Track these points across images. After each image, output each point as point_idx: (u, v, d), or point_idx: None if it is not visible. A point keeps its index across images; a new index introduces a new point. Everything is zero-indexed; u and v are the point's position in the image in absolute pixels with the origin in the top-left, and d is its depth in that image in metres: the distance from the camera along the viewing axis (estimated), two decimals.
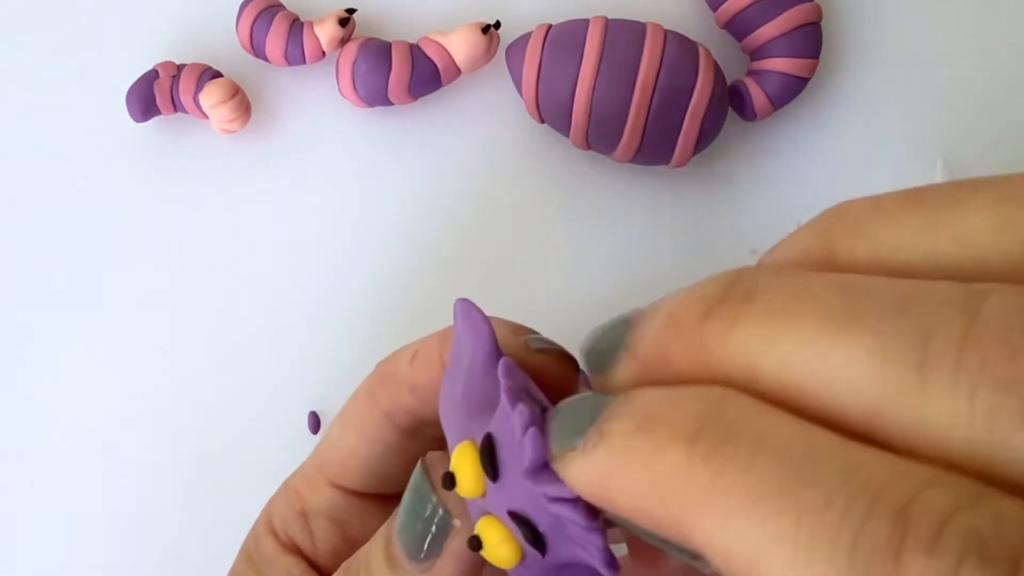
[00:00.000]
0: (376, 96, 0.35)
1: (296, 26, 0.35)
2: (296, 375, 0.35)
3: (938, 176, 0.32)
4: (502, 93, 0.36)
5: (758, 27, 0.34)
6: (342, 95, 0.35)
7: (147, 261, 0.35)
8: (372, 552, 0.22)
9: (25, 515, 0.34)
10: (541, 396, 0.19)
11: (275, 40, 0.35)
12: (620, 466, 0.15)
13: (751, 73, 0.35)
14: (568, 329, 0.35)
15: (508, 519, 0.18)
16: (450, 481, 0.19)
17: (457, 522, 0.20)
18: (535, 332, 0.24)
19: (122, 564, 0.34)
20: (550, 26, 0.34)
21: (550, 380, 0.21)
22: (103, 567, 0.34)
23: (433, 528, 0.20)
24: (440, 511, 0.20)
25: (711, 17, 0.36)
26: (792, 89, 0.35)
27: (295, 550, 0.25)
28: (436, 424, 0.24)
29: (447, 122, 0.36)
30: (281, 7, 0.35)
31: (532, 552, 0.18)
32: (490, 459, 0.18)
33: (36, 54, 0.37)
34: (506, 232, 0.35)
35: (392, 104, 0.35)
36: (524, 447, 0.17)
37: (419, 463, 0.21)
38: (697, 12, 0.36)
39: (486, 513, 0.19)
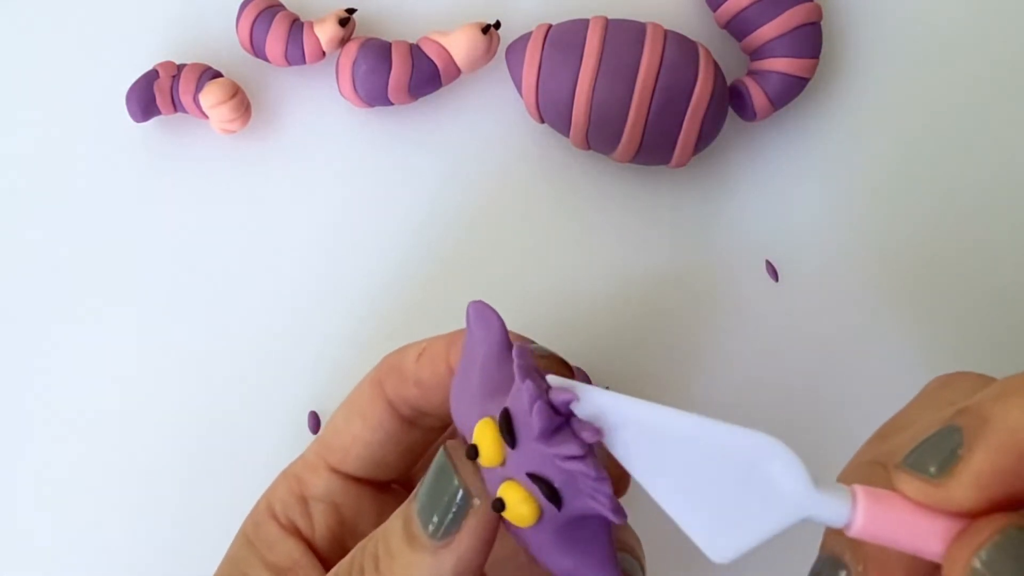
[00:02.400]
0: (376, 96, 0.35)
1: (296, 26, 0.35)
2: (296, 375, 0.35)
3: None
4: (502, 93, 0.36)
5: (758, 27, 0.34)
6: (342, 95, 0.35)
7: (147, 261, 0.35)
8: (390, 530, 0.23)
9: (25, 516, 0.34)
10: (544, 378, 0.21)
11: (275, 40, 0.35)
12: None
13: (751, 73, 0.35)
14: (567, 328, 0.35)
15: (527, 480, 0.21)
16: (473, 452, 0.22)
17: (477, 501, 0.22)
18: (534, 342, 0.26)
19: (122, 565, 0.34)
20: (550, 26, 0.34)
21: None
22: (103, 566, 0.34)
23: (454, 507, 0.22)
24: (461, 491, 0.22)
25: (711, 17, 0.36)
26: (792, 89, 0.35)
27: (296, 533, 0.27)
28: (434, 416, 0.26)
29: (447, 122, 0.36)
30: (281, 7, 0.35)
31: (549, 508, 0.21)
32: (508, 428, 0.21)
33: (36, 54, 0.37)
34: (506, 232, 0.35)
35: (392, 104, 0.35)
36: (534, 418, 0.20)
37: (442, 448, 0.23)
38: (697, 12, 0.36)
39: (506, 479, 0.21)
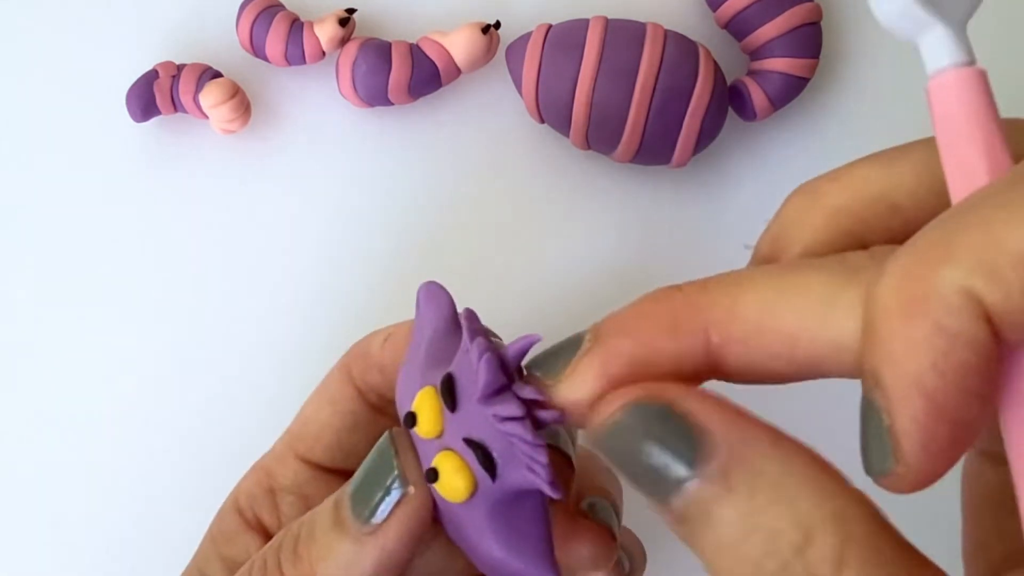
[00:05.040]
0: (376, 96, 0.35)
1: (296, 26, 0.35)
2: (295, 375, 0.35)
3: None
4: (502, 93, 0.36)
5: (758, 27, 0.34)
6: (342, 95, 0.35)
7: (146, 261, 0.35)
8: (319, 513, 0.22)
9: (24, 516, 0.34)
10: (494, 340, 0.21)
11: (275, 40, 0.35)
12: None
13: (751, 73, 0.35)
14: (567, 328, 0.35)
15: (463, 447, 0.20)
16: (411, 420, 0.21)
17: (412, 489, 0.21)
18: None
19: (122, 567, 0.34)
20: (550, 26, 0.34)
21: None
22: (102, 566, 0.34)
23: (388, 493, 0.21)
24: (398, 478, 0.21)
25: (711, 17, 0.36)
26: (792, 89, 0.35)
27: (259, 528, 0.26)
28: None
29: (447, 122, 0.36)
30: (281, 7, 0.35)
31: (484, 480, 0.20)
32: (449, 392, 0.20)
33: (36, 54, 0.37)
34: (506, 232, 0.35)
35: (392, 104, 0.35)
36: (480, 371, 0.19)
37: (386, 432, 0.22)
38: (697, 12, 0.36)
39: (443, 449, 0.20)
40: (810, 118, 0.36)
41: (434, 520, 0.22)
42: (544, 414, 0.19)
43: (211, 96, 0.34)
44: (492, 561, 0.21)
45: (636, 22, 0.33)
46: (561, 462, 0.24)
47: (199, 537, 0.27)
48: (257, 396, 0.35)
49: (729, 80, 0.35)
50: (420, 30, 0.35)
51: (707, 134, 0.33)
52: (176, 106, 0.35)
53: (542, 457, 0.19)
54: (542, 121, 0.35)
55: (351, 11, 0.35)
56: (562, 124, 0.34)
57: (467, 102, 0.36)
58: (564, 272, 0.35)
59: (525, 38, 0.34)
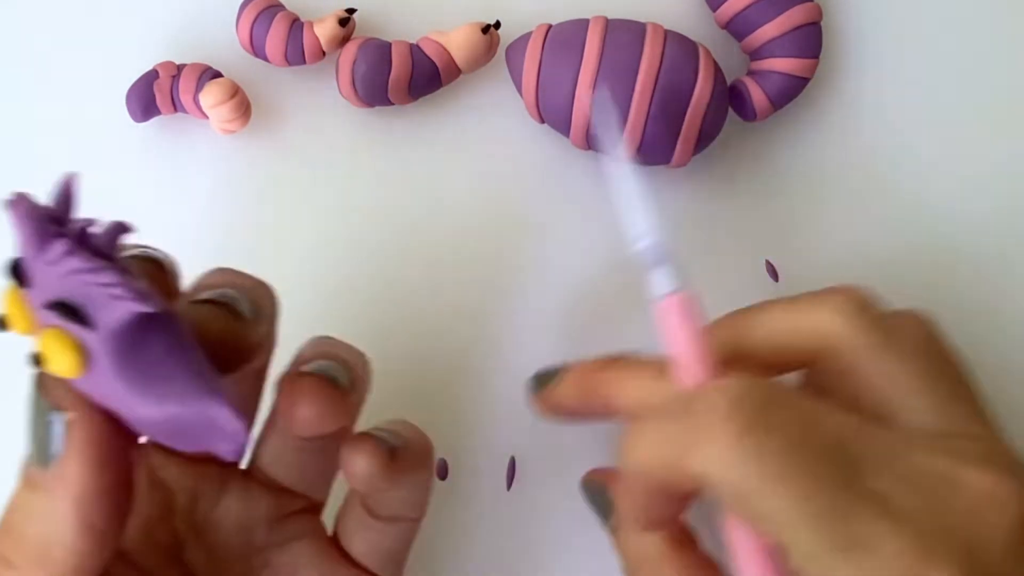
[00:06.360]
0: (376, 96, 0.35)
1: (296, 26, 0.35)
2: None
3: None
4: (502, 93, 0.36)
5: (758, 27, 0.34)
6: (342, 95, 0.35)
7: None
8: (15, 489, 0.22)
9: None
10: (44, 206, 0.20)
11: (275, 40, 0.35)
12: None
13: (751, 73, 0.35)
14: (567, 328, 0.35)
15: (48, 315, 0.19)
16: (3, 325, 0.20)
17: (72, 413, 0.20)
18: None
19: None
20: (550, 26, 0.34)
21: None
22: None
23: (52, 430, 0.20)
24: (50, 409, 0.20)
25: (711, 17, 0.36)
26: (792, 89, 0.35)
27: None
28: None
29: (447, 122, 0.36)
30: (281, 7, 0.35)
31: (87, 337, 0.18)
32: (16, 272, 0.19)
33: (37, 54, 0.37)
34: (506, 232, 0.35)
35: (392, 104, 0.35)
36: (16, 228, 0.18)
37: (32, 378, 0.21)
38: (697, 12, 0.36)
39: (39, 332, 0.19)
40: (810, 118, 0.36)
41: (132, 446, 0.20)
42: (101, 233, 0.18)
43: (211, 96, 0.34)
44: (153, 423, 0.20)
45: (636, 22, 0.33)
46: (219, 314, 0.23)
47: None
48: None
49: (729, 80, 0.35)
50: (420, 30, 0.35)
51: (707, 134, 0.33)
52: (176, 106, 0.35)
53: (111, 278, 0.18)
54: (542, 121, 0.35)
55: (351, 11, 0.35)
56: (562, 124, 0.34)
57: (467, 102, 0.36)
58: (564, 271, 0.35)
59: (525, 38, 0.34)
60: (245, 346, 0.23)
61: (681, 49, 0.33)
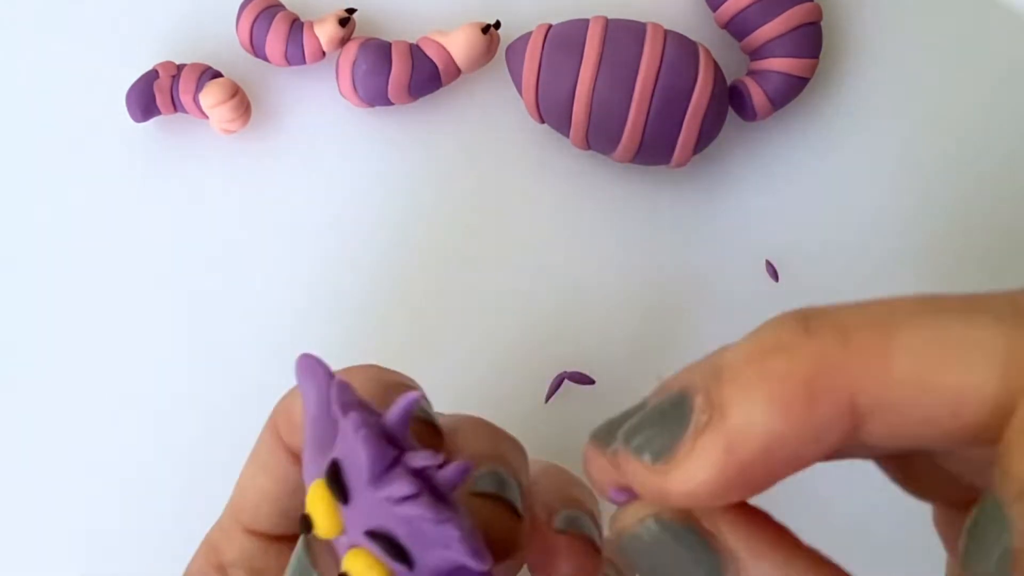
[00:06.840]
0: (376, 96, 0.35)
1: (296, 26, 0.35)
2: (294, 376, 0.34)
3: None
4: (502, 93, 0.36)
5: (758, 27, 0.34)
6: (342, 95, 0.35)
7: (146, 261, 0.35)
8: None
9: (23, 520, 0.34)
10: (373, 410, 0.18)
11: (275, 40, 0.35)
12: None
13: (751, 73, 0.35)
14: (567, 329, 0.35)
15: (368, 541, 0.18)
16: (307, 525, 0.18)
17: None
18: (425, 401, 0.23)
19: (119, 565, 0.34)
20: (550, 26, 0.34)
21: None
22: (100, 566, 0.34)
23: None
24: None
25: (711, 17, 0.36)
26: (792, 89, 0.35)
27: None
28: None
29: (447, 122, 0.36)
30: (281, 7, 0.35)
31: (402, 572, 0.18)
32: (336, 481, 0.18)
33: (36, 54, 0.37)
34: (506, 232, 0.35)
35: (392, 104, 0.35)
36: (359, 452, 0.17)
37: (301, 538, 0.20)
38: (697, 12, 0.36)
39: (350, 547, 0.18)
40: (810, 118, 0.36)
41: None
42: (445, 474, 0.17)
43: (211, 96, 0.34)
44: None
45: (636, 22, 0.33)
46: (500, 514, 0.22)
47: (199, 539, 0.27)
48: (255, 396, 0.34)
49: (729, 80, 0.35)
50: (420, 30, 0.35)
51: (707, 134, 0.33)
52: (176, 106, 0.35)
53: (453, 531, 0.17)
54: (542, 121, 0.35)
55: (351, 11, 0.35)
56: (562, 124, 0.34)
57: (467, 102, 0.36)
58: (563, 272, 0.35)
59: (525, 38, 0.34)
60: (516, 547, 0.22)
61: (681, 49, 0.33)
